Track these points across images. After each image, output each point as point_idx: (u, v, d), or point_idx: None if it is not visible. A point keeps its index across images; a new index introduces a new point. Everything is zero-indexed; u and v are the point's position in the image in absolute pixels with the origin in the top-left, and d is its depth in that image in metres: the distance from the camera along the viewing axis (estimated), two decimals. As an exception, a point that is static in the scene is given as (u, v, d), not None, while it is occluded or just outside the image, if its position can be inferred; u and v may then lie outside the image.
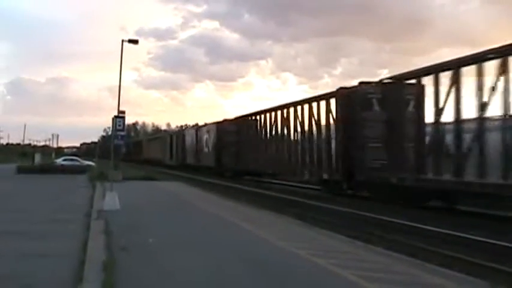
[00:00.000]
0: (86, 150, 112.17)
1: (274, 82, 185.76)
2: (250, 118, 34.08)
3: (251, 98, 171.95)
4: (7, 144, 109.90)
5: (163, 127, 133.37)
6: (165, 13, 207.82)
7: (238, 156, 34.94)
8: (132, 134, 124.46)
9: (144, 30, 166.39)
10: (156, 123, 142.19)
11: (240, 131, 35.18)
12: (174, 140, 56.73)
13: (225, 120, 39.18)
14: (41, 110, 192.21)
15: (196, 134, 46.13)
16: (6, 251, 8.77)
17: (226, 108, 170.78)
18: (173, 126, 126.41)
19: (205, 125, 46.77)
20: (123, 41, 16.88)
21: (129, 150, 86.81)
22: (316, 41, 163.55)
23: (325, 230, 11.72)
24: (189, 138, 49.11)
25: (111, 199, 15.17)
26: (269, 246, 9.38)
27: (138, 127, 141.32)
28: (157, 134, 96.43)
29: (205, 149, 42.37)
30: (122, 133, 17.04)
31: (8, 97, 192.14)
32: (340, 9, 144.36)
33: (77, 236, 10.24)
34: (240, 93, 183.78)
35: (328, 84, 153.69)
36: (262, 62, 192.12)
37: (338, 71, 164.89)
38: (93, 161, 52.67)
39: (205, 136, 42.75)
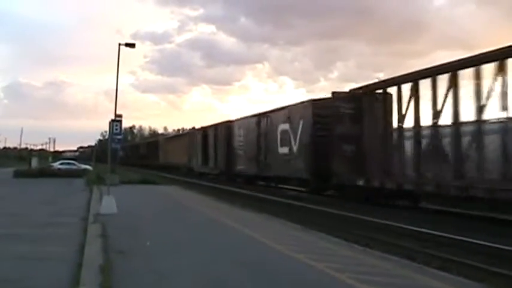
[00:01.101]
0: (86, 154, 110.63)
1: (271, 85, 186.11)
2: (380, 91, 19.59)
3: (248, 102, 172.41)
4: (4, 148, 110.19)
5: (160, 130, 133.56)
6: (161, 17, 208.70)
7: (369, 159, 19.38)
8: (129, 137, 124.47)
9: (141, 33, 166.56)
10: (153, 126, 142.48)
11: (366, 115, 19.94)
12: (210, 137, 40.59)
13: (334, 94, 21.75)
14: (38, 114, 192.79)
15: (259, 125, 29.96)
16: (3, 255, 8.75)
17: (223, 111, 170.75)
18: (170, 130, 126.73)
19: (280, 109, 27.99)
20: (120, 44, 16.85)
21: (138, 153, 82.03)
22: (313, 45, 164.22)
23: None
24: (242, 133, 33.09)
25: (108, 203, 15.17)
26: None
27: (135, 131, 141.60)
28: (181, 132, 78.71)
29: (282, 149, 26.13)
30: (119, 137, 17.06)
31: (5, 101, 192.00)
32: (337, 12, 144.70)
33: (74, 239, 10.22)
34: (236, 96, 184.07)
35: (325, 87, 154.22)
36: (259, 66, 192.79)
37: (334, 74, 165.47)
38: (90, 165, 52.54)
39: (281, 127, 26.49)
